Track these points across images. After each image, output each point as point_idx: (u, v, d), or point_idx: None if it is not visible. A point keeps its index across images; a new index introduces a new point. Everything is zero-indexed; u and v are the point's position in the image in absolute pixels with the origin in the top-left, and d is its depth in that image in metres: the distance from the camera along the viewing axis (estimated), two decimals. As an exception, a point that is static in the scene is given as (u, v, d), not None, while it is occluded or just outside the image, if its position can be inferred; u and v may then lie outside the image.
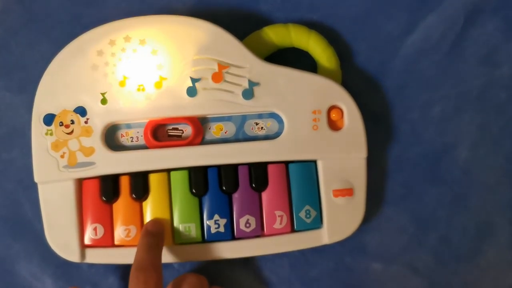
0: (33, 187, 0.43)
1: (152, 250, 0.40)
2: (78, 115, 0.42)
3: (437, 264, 0.46)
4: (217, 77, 0.42)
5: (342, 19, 0.47)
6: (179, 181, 0.43)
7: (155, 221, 0.42)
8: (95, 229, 0.43)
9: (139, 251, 0.40)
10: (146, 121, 0.43)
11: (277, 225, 0.43)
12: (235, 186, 0.43)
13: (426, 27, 0.47)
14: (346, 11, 0.47)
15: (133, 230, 0.43)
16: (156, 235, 0.41)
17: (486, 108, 0.47)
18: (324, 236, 0.43)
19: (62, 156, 0.42)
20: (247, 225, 0.43)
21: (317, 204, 0.43)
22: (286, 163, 0.44)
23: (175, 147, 0.43)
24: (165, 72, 0.42)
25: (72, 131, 0.42)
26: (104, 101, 0.42)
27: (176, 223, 0.43)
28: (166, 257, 0.43)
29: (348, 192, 0.43)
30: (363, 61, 0.47)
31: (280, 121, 0.44)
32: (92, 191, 0.43)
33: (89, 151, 0.42)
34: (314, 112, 0.43)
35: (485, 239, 0.46)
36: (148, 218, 0.43)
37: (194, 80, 0.42)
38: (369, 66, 0.47)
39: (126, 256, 0.42)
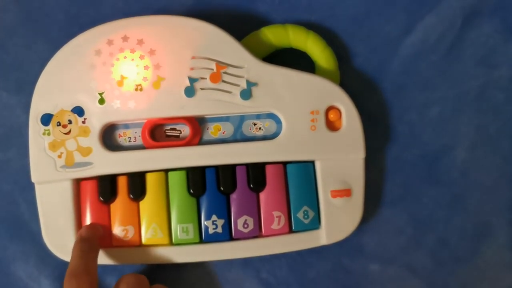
0: (30, 187, 0.43)
1: (84, 255, 0.40)
2: (75, 115, 0.42)
3: (435, 265, 0.46)
4: (215, 77, 0.42)
5: (340, 19, 0.47)
6: (177, 182, 0.43)
7: (89, 226, 0.42)
8: (92, 229, 0.42)
9: (72, 258, 0.40)
10: (144, 121, 0.43)
11: (275, 226, 0.43)
12: (233, 187, 0.43)
13: (424, 28, 0.47)
14: (344, 12, 0.47)
15: (131, 231, 0.42)
16: (89, 240, 0.41)
17: (484, 109, 0.47)
18: (322, 237, 0.43)
19: (59, 156, 0.42)
20: (245, 225, 0.43)
21: (315, 204, 0.43)
22: (284, 164, 0.44)
23: (173, 147, 0.43)
24: (163, 72, 0.42)
25: (69, 131, 0.42)
26: (101, 101, 0.42)
27: (173, 223, 0.43)
28: (164, 258, 0.43)
29: (346, 192, 0.43)
30: (361, 62, 0.47)
31: (278, 121, 0.44)
32: (89, 192, 0.43)
33: (87, 151, 0.42)
34: (312, 112, 0.43)
35: (483, 240, 0.46)
36: (145, 218, 0.43)
37: (192, 80, 0.42)
38: (367, 67, 0.47)
39: (124, 256, 0.43)
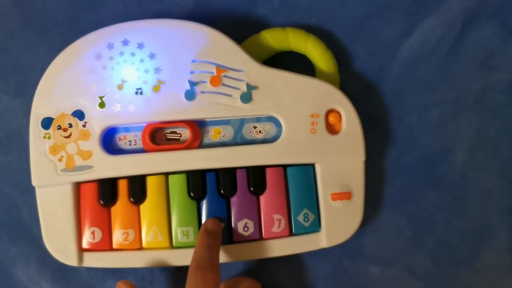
0: (31, 190, 0.43)
1: (211, 249, 0.40)
2: (76, 118, 0.42)
3: (435, 267, 0.46)
4: (215, 80, 0.42)
5: (340, 23, 0.47)
6: (177, 185, 0.43)
7: (214, 221, 0.42)
8: (93, 232, 0.43)
9: (198, 249, 0.40)
10: (144, 124, 0.43)
11: (275, 229, 0.43)
12: (233, 190, 0.43)
13: (424, 31, 0.47)
14: (344, 15, 0.47)
15: (131, 234, 0.43)
16: (215, 234, 0.41)
17: (484, 111, 0.47)
18: (322, 239, 0.43)
19: (60, 160, 0.42)
20: (245, 228, 0.43)
21: (315, 207, 0.44)
22: (284, 167, 0.44)
23: (173, 151, 0.43)
24: (163, 76, 0.42)
25: (70, 135, 0.42)
26: (102, 105, 0.42)
27: (174, 226, 0.43)
28: (164, 261, 0.43)
29: (346, 195, 0.43)
30: (361, 65, 0.47)
31: (278, 124, 0.44)
32: (90, 195, 0.43)
33: (87, 155, 0.42)
34: (312, 115, 0.43)
35: (483, 243, 0.46)
36: (146, 221, 0.43)
37: (192, 84, 0.42)
38: (367, 70, 0.47)
39: (125, 259, 0.43)
